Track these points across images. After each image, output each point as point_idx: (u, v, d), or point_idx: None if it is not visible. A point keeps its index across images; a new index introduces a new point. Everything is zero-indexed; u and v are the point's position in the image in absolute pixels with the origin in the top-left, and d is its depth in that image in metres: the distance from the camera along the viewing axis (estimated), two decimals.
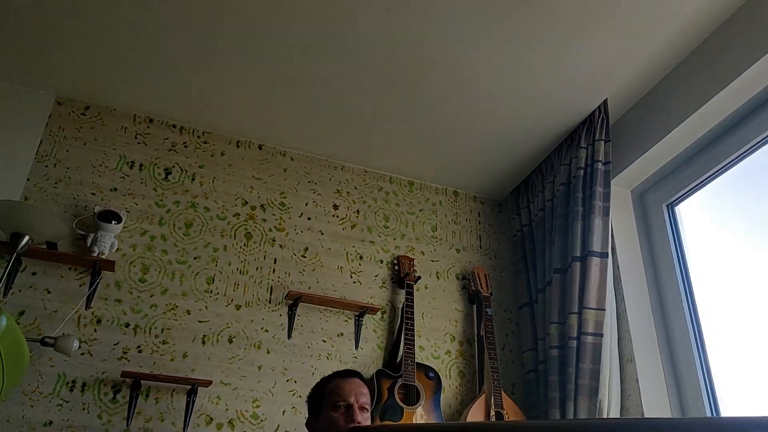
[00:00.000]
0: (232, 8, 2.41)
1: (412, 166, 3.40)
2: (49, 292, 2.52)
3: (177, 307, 2.69)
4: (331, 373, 2.03)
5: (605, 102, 2.78)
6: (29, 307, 2.47)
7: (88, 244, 2.56)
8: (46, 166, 2.78)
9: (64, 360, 2.40)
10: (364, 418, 1.69)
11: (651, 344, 2.55)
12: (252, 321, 2.78)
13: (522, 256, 3.26)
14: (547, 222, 2.99)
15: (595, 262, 2.56)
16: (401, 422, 2.53)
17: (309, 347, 2.83)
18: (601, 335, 2.46)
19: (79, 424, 2.34)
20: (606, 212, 2.63)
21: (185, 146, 3.08)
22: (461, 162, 3.34)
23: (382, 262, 3.19)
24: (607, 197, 2.65)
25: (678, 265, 2.62)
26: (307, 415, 1.87)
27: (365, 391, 1.77)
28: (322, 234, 3.13)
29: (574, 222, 2.71)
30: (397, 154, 3.30)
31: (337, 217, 3.21)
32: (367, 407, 1.74)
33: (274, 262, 2.96)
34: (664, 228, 2.71)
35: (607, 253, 2.56)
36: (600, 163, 2.71)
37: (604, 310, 2.48)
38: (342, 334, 2.92)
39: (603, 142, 2.75)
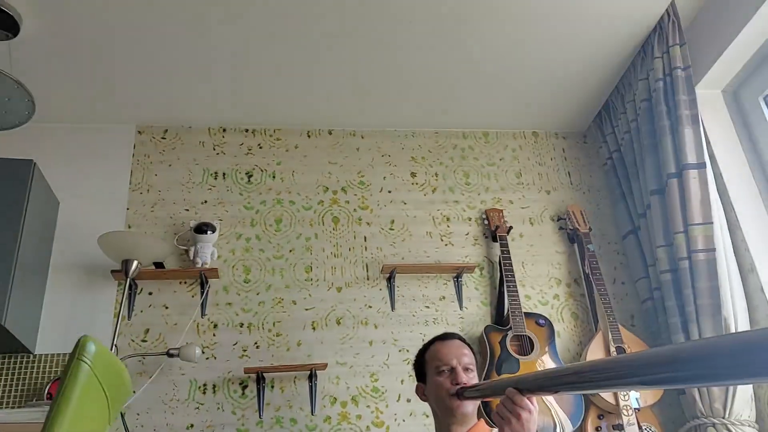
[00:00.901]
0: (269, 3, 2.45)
1: (484, 116, 3.31)
2: (166, 308, 2.72)
3: (283, 299, 2.81)
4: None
5: (673, 3, 2.56)
6: (152, 324, 2.68)
7: (191, 257, 2.73)
8: (141, 193, 2.98)
9: (192, 367, 2.59)
10: (470, 378, 1.69)
11: None
12: (355, 300, 2.86)
13: (617, 183, 3.10)
14: (635, 143, 2.82)
15: (692, 174, 2.39)
16: (518, 374, 2.51)
17: (414, 315, 2.86)
18: (714, 250, 2.30)
19: (217, 423, 2.52)
20: (695, 120, 2.44)
21: (260, 147, 3.18)
22: (535, 100, 3.21)
23: (470, 219, 3.15)
24: (693, 104, 2.45)
25: None
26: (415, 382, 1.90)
27: (466, 351, 1.77)
28: (405, 204, 3.14)
29: (662, 137, 2.54)
30: (466, 107, 3.23)
31: (417, 184, 3.20)
32: (472, 367, 1.73)
33: (365, 240, 3.01)
34: (764, 121, 2.48)
35: (704, 162, 2.38)
36: (679, 70, 2.51)
37: (712, 223, 2.32)
38: (444, 297, 2.93)
39: (678, 47, 2.54)
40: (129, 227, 2.87)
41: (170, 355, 2.45)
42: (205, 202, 3.00)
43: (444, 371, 1.71)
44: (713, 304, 2.27)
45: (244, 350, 2.68)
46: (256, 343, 2.70)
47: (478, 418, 1.75)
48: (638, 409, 2.53)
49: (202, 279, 2.72)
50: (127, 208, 2.93)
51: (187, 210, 2.96)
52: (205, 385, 2.58)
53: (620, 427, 2.49)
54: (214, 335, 2.69)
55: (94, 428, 1.02)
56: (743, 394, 2.29)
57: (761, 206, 2.43)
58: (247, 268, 2.86)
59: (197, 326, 2.70)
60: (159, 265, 2.69)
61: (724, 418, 2.31)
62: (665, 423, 2.65)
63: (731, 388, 2.28)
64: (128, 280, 2.54)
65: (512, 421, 1.33)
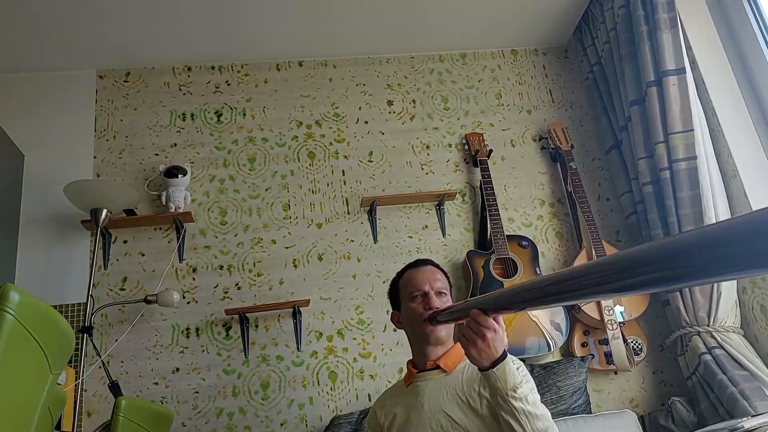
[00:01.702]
0: None
1: (461, 36, 3.17)
2: (143, 255, 2.67)
3: (262, 239, 2.76)
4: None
5: None
6: (130, 272, 2.64)
7: (164, 203, 2.67)
8: (107, 140, 2.88)
9: (173, 312, 2.57)
10: (443, 303, 1.65)
11: (755, 154, 2.28)
12: (336, 235, 2.81)
13: (598, 98, 3.00)
14: (615, 53, 2.70)
15: (672, 81, 2.29)
16: None
17: (397, 246, 2.82)
18: (695, 158, 2.23)
19: (203, 365, 2.52)
20: (674, 23, 2.32)
21: (228, 84, 3.06)
22: (512, 15, 3.06)
23: (450, 145, 3.06)
24: (671, 7, 2.33)
25: None
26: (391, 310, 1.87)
27: (439, 276, 1.72)
28: (383, 134, 3.04)
29: (641, 44, 2.42)
30: (441, 28, 3.08)
31: (394, 112, 3.10)
32: (445, 291, 1.69)
33: (343, 174, 2.94)
34: (747, 21, 2.35)
35: (684, 68, 2.28)
36: None
37: (692, 130, 2.24)
38: (426, 226, 2.88)
39: None
40: (98, 176, 2.80)
41: (148, 302, 2.42)
42: (175, 145, 2.91)
43: (417, 297, 1.67)
44: (695, 213, 2.22)
45: (226, 292, 2.65)
46: (237, 285, 2.67)
47: (455, 342, 1.72)
48: (623, 323, 2.53)
49: (177, 224, 2.67)
50: (94, 157, 2.84)
51: (157, 154, 2.88)
52: (188, 329, 2.57)
53: (605, 341, 2.49)
54: (193, 279, 2.66)
55: (31, 378, 0.98)
56: (727, 301, 2.27)
57: (744, 110, 2.34)
58: (223, 210, 2.80)
59: (176, 271, 2.66)
60: (130, 212, 2.63)
61: (708, 326, 2.30)
62: (651, 335, 2.65)
63: (715, 295, 2.26)
64: (99, 229, 2.49)
65: (478, 342, 1.30)
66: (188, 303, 2.61)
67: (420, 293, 1.67)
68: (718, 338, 2.26)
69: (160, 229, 2.73)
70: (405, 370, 1.75)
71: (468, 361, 1.47)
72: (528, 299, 1.10)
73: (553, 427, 1.36)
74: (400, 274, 1.80)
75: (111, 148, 2.86)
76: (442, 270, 1.77)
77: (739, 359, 2.19)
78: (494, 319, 1.30)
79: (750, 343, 2.29)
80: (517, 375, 1.34)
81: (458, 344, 1.71)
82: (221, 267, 2.69)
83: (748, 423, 1.77)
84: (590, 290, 0.85)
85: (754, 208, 2.20)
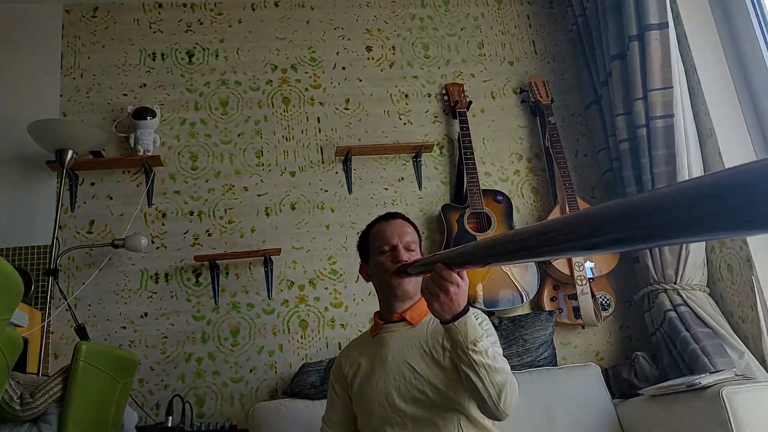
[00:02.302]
0: None
1: None
2: (110, 198, 2.62)
3: (234, 186, 2.71)
4: None
5: None
6: (97, 215, 2.59)
7: (132, 145, 2.59)
8: (74, 78, 2.78)
9: (141, 257, 2.54)
10: (411, 257, 1.63)
11: (733, 114, 2.26)
12: (310, 184, 2.77)
13: (581, 51, 2.94)
14: (599, 4, 2.63)
15: (654, 36, 2.24)
16: None
17: (372, 197, 2.79)
18: (672, 115, 2.20)
19: (172, 310, 2.51)
20: None
21: (200, 23, 2.95)
22: None
23: (430, 95, 3.00)
24: None
25: (756, 17, 2.23)
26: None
27: (409, 230, 1.70)
28: (361, 81, 2.97)
29: None
30: None
31: (373, 59, 3.02)
32: (414, 245, 1.67)
33: (318, 122, 2.87)
34: None
35: (667, 22, 2.23)
36: None
37: (672, 87, 2.20)
38: (402, 178, 2.84)
39: None
40: (64, 115, 2.71)
41: (116, 246, 2.38)
42: (144, 85, 2.81)
43: (385, 250, 1.65)
44: (669, 171, 2.22)
45: (196, 238, 2.62)
46: (208, 231, 2.64)
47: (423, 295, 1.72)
48: (593, 279, 2.55)
49: (146, 167, 2.61)
50: (61, 95, 2.74)
51: (126, 95, 2.78)
52: (156, 274, 2.55)
53: (575, 296, 2.52)
54: (163, 224, 2.62)
55: None
56: (695, 259, 2.29)
57: (725, 68, 2.31)
58: (194, 155, 2.73)
59: (145, 216, 2.61)
60: (97, 154, 2.55)
61: (675, 283, 2.33)
62: (620, 291, 2.68)
63: (683, 254, 2.28)
64: (65, 170, 2.42)
65: (440, 295, 1.29)
66: (157, 248, 2.58)
67: (389, 247, 1.65)
68: (684, 296, 2.29)
69: (129, 172, 2.66)
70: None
71: None
72: (489, 255, 1.08)
73: (512, 380, 1.37)
74: (370, 227, 1.77)
75: (78, 86, 2.76)
76: (411, 224, 1.75)
77: (703, 317, 2.23)
78: (458, 273, 1.29)
79: (715, 302, 2.32)
80: (479, 329, 1.34)
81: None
82: (191, 213, 2.65)
83: (706, 379, 1.80)
84: (547, 249, 0.84)
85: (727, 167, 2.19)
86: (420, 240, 1.75)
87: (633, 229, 0.62)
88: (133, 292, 2.51)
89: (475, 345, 1.31)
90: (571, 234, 0.76)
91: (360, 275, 1.81)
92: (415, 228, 1.75)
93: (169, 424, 2.09)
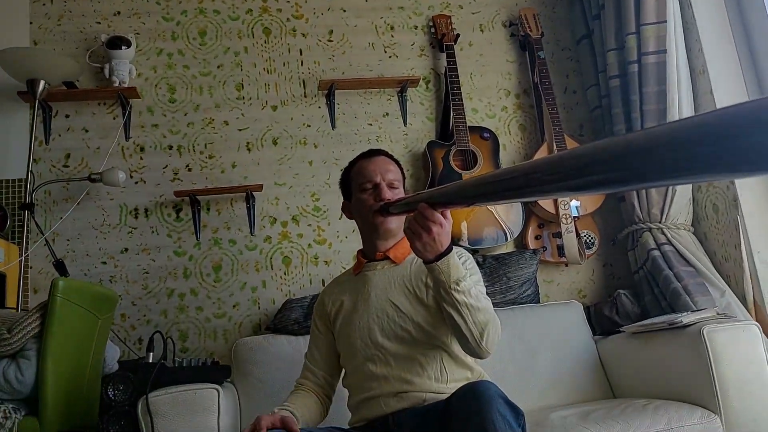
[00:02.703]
0: None
1: None
2: (86, 131, 2.54)
3: (213, 120, 2.64)
4: None
5: None
6: (73, 149, 2.51)
7: (107, 76, 2.49)
8: (44, 4, 2.64)
9: (120, 191, 2.48)
10: (394, 194, 1.60)
11: (726, 50, 2.20)
12: (292, 119, 2.70)
13: None
14: None
15: None
16: None
17: (356, 133, 2.73)
18: (665, 51, 2.15)
19: (152, 246, 2.48)
20: None
21: None
22: None
23: (416, 27, 2.90)
24: None
25: None
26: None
27: (392, 167, 1.66)
28: (345, 11, 2.85)
29: None
30: None
31: None
32: (397, 183, 1.64)
33: (300, 54, 2.77)
34: None
35: None
36: None
37: (666, 22, 2.13)
38: (387, 113, 2.78)
39: None
40: (35, 44, 2.58)
41: (93, 180, 2.32)
42: (118, 13, 2.68)
43: (368, 188, 1.62)
44: (659, 109, 2.18)
45: (176, 173, 2.56)
46: (188, 166, 2.58)
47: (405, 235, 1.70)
48: (578, 217, 2.55)
49: (122, 99, 2.51)
50: (30, 22, 2.60)
51: (99, 23, 2.65)
52: (136, 209, 2.50)
53: (559, 234, 2.52)
54: (141, 159, 2.55)
55: None
56: (681, 199, 2.29)
57: (721, 2, 2.23)
58: (172, 87, 2.64)
59: (122, 150, 2.54)
60: (70, 85, 2.45)
61: (660, 222, 2.33)
62: (604, 229, 2.68)
63: (670, 193, 2.27)
64: (37, 101, 2.32)
65: (423, 235, 1.27)
66: (136, 183, 2.52)
67: (371, 184, 1.61)
68: (668, 235, 2.30)
69: (104, 104, 2.57)
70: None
71: None
72: (474, 195, 1.05)
73: (495, 319, 1.37)
74: (352, 164, 1.73)
75: (48, 13, 2.63)
76: (395, 161, 1.71)
77: (686, 255, 2.24)
78: (442, 213, 1.26)
79: (699, 241, 2.34)
80: (461, 268, 1.32)
81: None
82: (170, 147, 2.58)
83: (688, 318, 1.82)
84: (534, 189, 0.81)
85: (718, 106, 2.16)
86: (404, 178, 1.71)
87: (623, 170, 0.58)
88: (113, 228, 2.46)
89: (457, 285, 1.30)
90: (558, 174, 0.73)
91: (343, 213, 1.78)
92: (399, 165, 1.71)
93: (150, 360, 2.10)
